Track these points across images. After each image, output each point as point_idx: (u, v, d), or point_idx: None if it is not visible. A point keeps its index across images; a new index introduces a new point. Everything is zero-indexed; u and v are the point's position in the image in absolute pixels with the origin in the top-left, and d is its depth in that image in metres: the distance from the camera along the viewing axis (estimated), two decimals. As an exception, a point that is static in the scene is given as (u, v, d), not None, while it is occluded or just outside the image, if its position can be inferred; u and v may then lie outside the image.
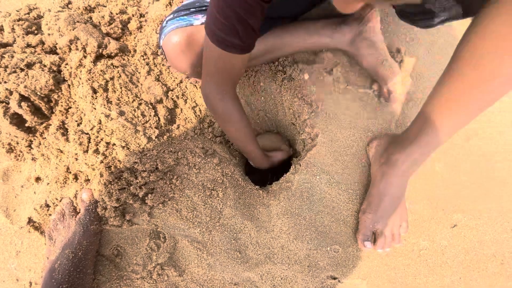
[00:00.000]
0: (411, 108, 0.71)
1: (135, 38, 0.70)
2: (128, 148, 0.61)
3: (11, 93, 0.57)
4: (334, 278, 0.64)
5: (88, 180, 0.63)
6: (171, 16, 0.60)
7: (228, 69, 0.51)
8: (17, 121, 0.61)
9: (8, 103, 0.59)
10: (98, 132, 0.60)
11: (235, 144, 0.70)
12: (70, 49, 0.62)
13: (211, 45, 0.47)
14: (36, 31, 0.65)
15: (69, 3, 0.75)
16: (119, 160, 0.62)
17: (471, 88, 0.43)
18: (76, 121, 0.62)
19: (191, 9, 0.59)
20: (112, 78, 0.62)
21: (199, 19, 0.58)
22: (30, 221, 0.64)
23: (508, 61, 0.38)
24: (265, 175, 0.83)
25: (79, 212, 0.62)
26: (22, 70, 0.58)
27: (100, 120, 0.60)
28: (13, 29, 0.64)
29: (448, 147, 0.70)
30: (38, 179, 0.67)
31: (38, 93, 0.59)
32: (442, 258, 0.65)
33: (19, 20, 0.64)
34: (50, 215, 0.64)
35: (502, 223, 0.67)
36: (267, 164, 0.73)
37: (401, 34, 0.73)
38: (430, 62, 0.73)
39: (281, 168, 0.78)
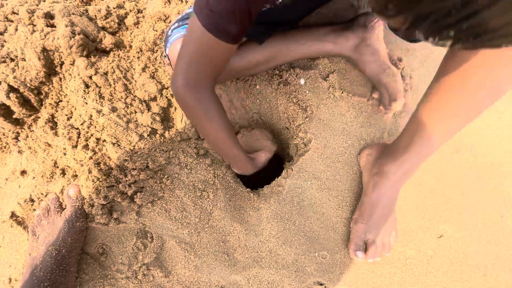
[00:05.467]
0: (404, 117, 0.71)
1: (131, 33, 0.69)
2: (118, 145, 0.60)
3: (-1, 83, 0.55)
4: (321, 284, 0.64)
5: (76, 176, 0.62)
6: (176, 24, 0.59)
7: (213, 58, 0.46)
8: (5, 112, 0.60)
9: (-5, 93, 0.57)
10: (88, 127, 0.59)
11: (214, 147, 0.63)
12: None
13: (198, 29, 0.42)
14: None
15: (65, -6, 0.73)
16: (108, 157, 0.60)
17: (458, 99, 0.44)
18: (66, 115, 0.60)
19: None
20: (105, 73, 0.61)
21: None
22: (13, 215, 0.62)
23: (492, 74, 0.39)
24: (255, 177, 0.82)
25: (65, 208, 0.60)
26: (12, 60, 0.57)
27: (91, 115, 0.59)
28: (6, 18, 0.62)
29: (438, 159, 0.71)
30: (23, 172, 0.66)
31: (28, 85, 0.57)
32: (428, 268, 0.66)
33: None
34: (34, 210, 0.62)
35: (487, 235, 0.69)
36: (251, 169, 0.66)
37: (398, 45, 0.74)
38: (423, 74, 0.74)
39: (271, 168, 0.76)
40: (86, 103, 0.59)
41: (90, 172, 0.58)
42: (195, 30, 0.43)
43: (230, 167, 0.68)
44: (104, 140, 0.60)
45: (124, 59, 0.64)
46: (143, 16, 0.72)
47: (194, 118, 0.53)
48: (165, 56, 0.66)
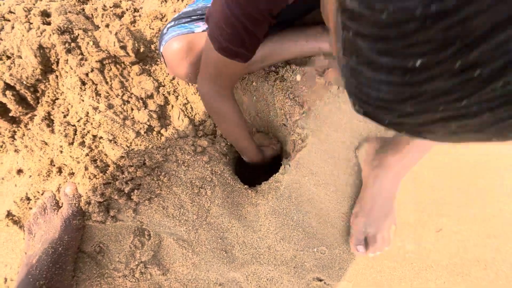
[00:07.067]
0: (400, 113, 0.72)
1: (128, 32, 0.69)
2: (115, 142, 0.60)
3: (-5, 81, 0.55)
4: (320, 280, 0.63)
5: (73, 173, 0.61)
6: (172, 23, 0.60)
7: (229, 74, 0.53)
8: (1, 110, 0.60)
9: (-8, 91, 0.57)
10: (85, 124, 0.59)
11: (229, 140, 0.71)
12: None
13: (214, 51, 0.47)
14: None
15: (62, -6, 0.74)
16: (105, 154, 0.60)
17: None
18: (63, 112, 0.60)
19: (193, 17, 0.60)
20: (102, 71, 0.61)
21: (201, 27, 0.59)
22: (9, 214, 0.62)
23: None
24: (256, 173, 0.82)
25: (61, 207, 0.60)
26: (8, 57, 0.57)
27: (87, 112, 0.59)
28: (3, 17, 0.62)
29: (435, 153, 0.71)
30: (20, 171, 0.65)
31: (24, 82, 0.57)
32: (427, 262, 0.65)
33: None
34: (30, 208, 0.62)
35: (486, 228, 0.68)
36: (260, 158, 0.74)
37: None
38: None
39: (272, 167, 0.78)
40: (83, 100, 0.59)
41: (86, 169, 0.58)
42: (212, 53, 0.48)
43: (241, 156, 0.74)
44: (101, 137, 0.60)
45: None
46: (140, 15, 0.72)
47: (217, 119, 0.64)
48: (159, 53, 0.66)
